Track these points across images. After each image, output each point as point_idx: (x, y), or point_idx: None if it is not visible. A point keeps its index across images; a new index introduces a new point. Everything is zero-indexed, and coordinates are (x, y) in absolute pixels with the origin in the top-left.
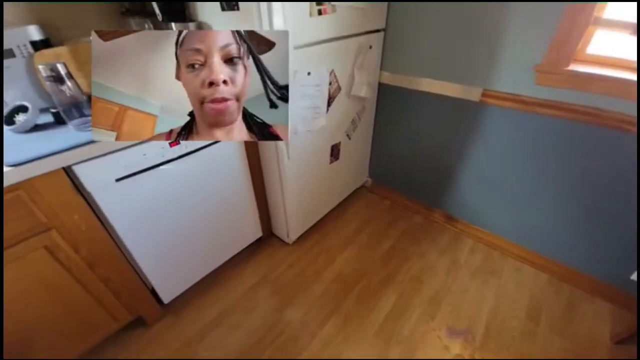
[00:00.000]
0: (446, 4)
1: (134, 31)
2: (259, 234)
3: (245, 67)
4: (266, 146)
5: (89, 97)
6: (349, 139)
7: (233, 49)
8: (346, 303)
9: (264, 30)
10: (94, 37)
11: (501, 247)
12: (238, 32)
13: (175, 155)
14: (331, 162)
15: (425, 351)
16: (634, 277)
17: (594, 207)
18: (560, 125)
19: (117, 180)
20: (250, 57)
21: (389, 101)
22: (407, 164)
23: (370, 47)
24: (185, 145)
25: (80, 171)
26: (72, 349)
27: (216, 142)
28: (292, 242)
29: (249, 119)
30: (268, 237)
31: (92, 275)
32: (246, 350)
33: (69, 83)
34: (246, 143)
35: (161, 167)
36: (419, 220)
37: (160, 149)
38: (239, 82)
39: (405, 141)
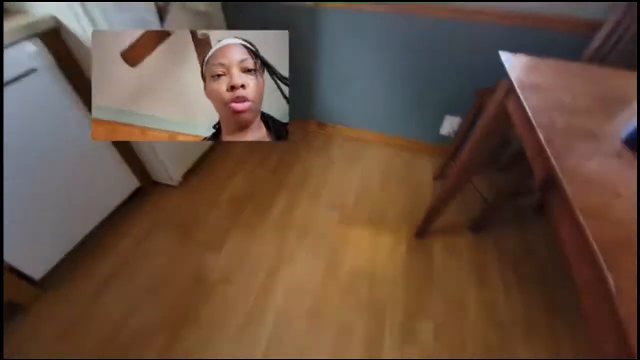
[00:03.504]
0: None
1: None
2: (135, 184)
3: (260, 78)
4: None
5: None
6: None
7: (249, 63)
8: (243, 216)
9: (263, 32)
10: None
11: (361, 138)
12: (253, 51)
13: None
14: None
15: (314, 227)
16: (442, 132)
17: (414, 89)
18: (378, 20)
19: None
20: (265, 69)
21: (240, 15)
22: None
23: None
24: None
25: None
26: None
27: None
28: (178, 183)
29: (267, 120)
30: (151, 185)
31: None
32: (157, 289)
33: None
34: (72, 79)
35: None
36: (300, 134)
37: None
38: (255, 89)
39: None
